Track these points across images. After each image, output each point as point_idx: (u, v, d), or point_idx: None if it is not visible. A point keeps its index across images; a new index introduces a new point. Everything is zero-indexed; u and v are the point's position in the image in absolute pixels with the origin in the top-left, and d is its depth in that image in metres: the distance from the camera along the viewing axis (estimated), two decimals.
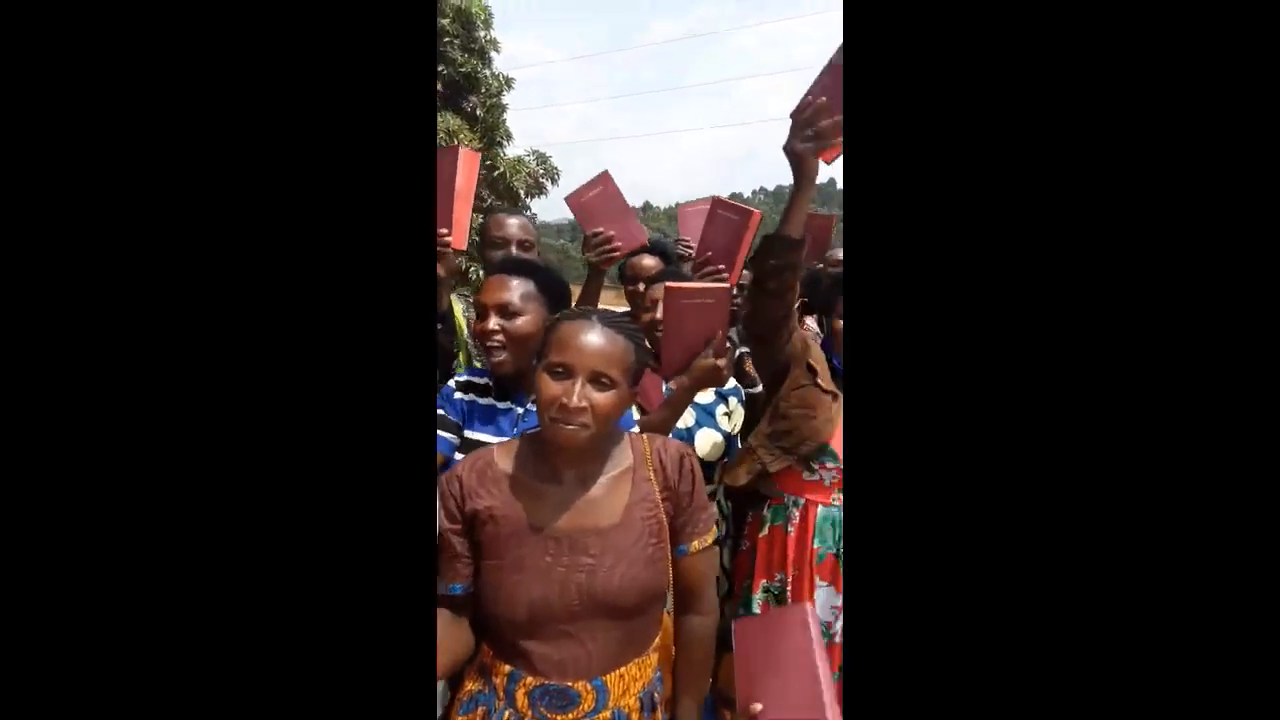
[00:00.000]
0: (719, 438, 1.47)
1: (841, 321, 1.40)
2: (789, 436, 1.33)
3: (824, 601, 1.33)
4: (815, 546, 1.32)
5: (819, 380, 1.34)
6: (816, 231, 2.10)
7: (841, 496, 1.34)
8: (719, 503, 1.48)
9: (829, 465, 1.33)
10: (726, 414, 1.52)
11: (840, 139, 1.10)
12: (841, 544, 1.32)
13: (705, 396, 1.51)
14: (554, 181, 8.19)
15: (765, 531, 1.36)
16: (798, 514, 1.33)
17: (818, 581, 1.32)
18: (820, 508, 1.33)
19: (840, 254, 2.20)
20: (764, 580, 1.35)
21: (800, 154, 1.12)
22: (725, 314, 1.28)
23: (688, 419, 1.46)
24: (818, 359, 1.37)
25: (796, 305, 1.27)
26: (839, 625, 1.33)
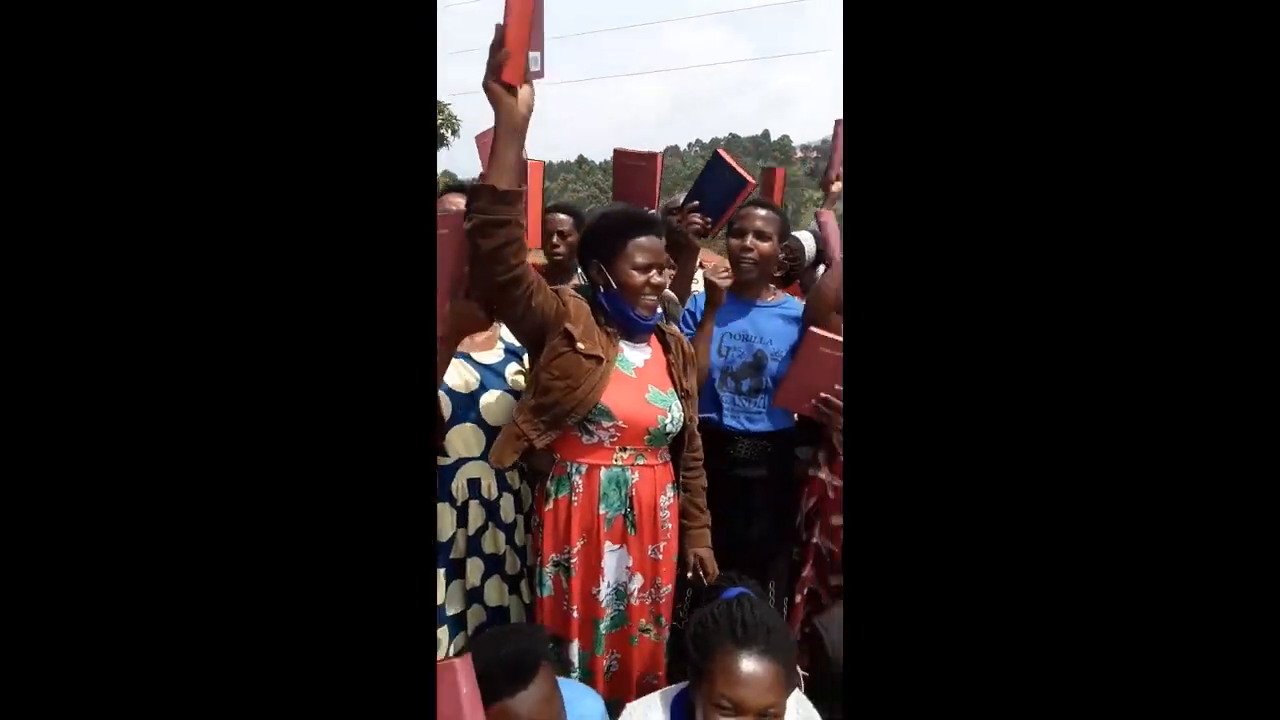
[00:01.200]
0: (511, 400, 1.35)
1: (636, 272, 1.25)
2: (553, 409, 1.22)
3: (616, 563, 1.27)
4: (602, 511, 1.24)
5: (578, 345, 1.21)
6: (644, 179, 1.97)
7: (626, 455, 1.25)
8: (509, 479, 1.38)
9: (605, 425, 1.24)
10: (520, 373, 1.40)
11: (520, 60, 0.96)
12: (630, 504, 1.25)
13: (493, 355, 1.39)
14: (454, 132, 7.71)
15: (550, 505, 1.28)
16: (581, 481, 1.26)
17: (607, 546, 1.25)
18: (603, 470, 1.26)
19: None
20: (553, 554, 1.28)
21: (488, 89, 0.98)
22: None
23: (472, 380, 1.34)
24: (578, 321, 1.24)
25: (524, 264, 1.12)
26: (633, 585, 1.27)
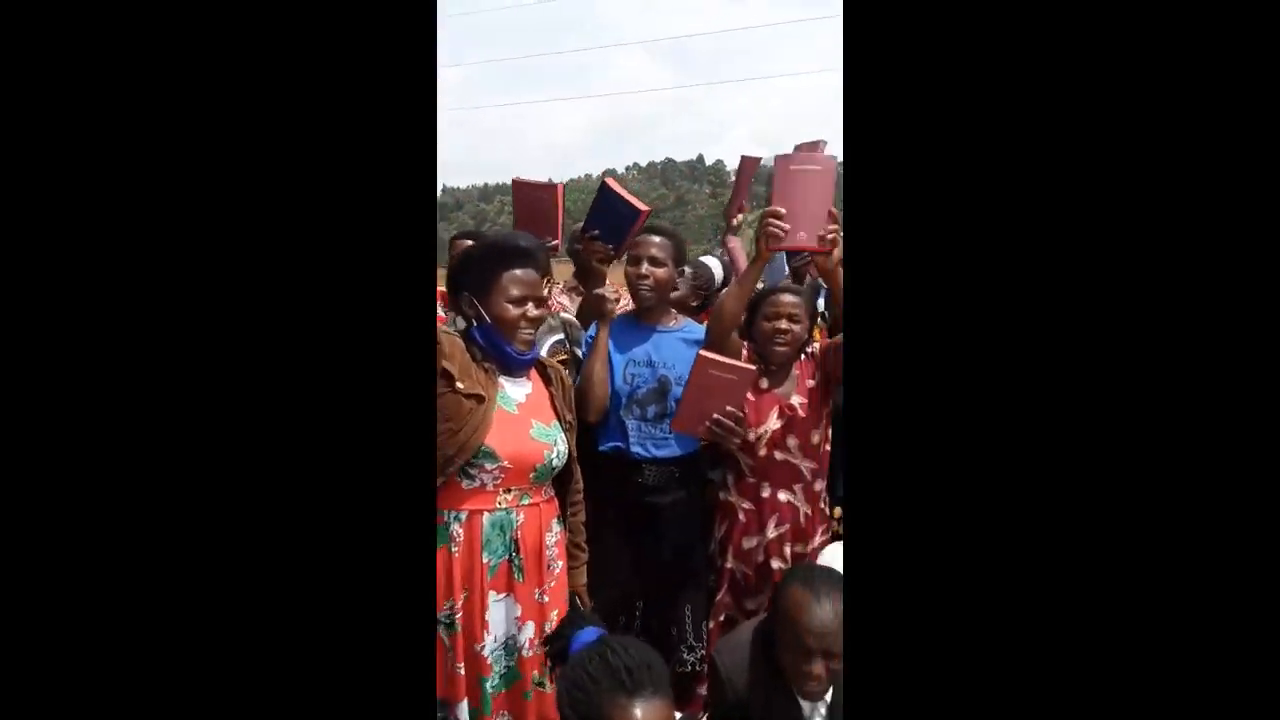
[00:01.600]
0: None
1: (510, 305, 1.19)
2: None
3: (503, 614, 1.21)
4: (485, 560, 1.18)
5: (458, 384, 1.15)
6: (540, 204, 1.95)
7: (510, 497, 1.19)
8: None
9: (488, 467, 1.17)
10: None
11: None
12: (515, 548, 1.19)
13: None
14: None
15: None
16: (461, 530, 1.18)
17: (492, 596, 1.18)
18: (485, 515, 1.19)
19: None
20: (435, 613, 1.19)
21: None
22: None
23: None
24: (454, 358, 1.17)
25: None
26: (523, 637, 1.21)
